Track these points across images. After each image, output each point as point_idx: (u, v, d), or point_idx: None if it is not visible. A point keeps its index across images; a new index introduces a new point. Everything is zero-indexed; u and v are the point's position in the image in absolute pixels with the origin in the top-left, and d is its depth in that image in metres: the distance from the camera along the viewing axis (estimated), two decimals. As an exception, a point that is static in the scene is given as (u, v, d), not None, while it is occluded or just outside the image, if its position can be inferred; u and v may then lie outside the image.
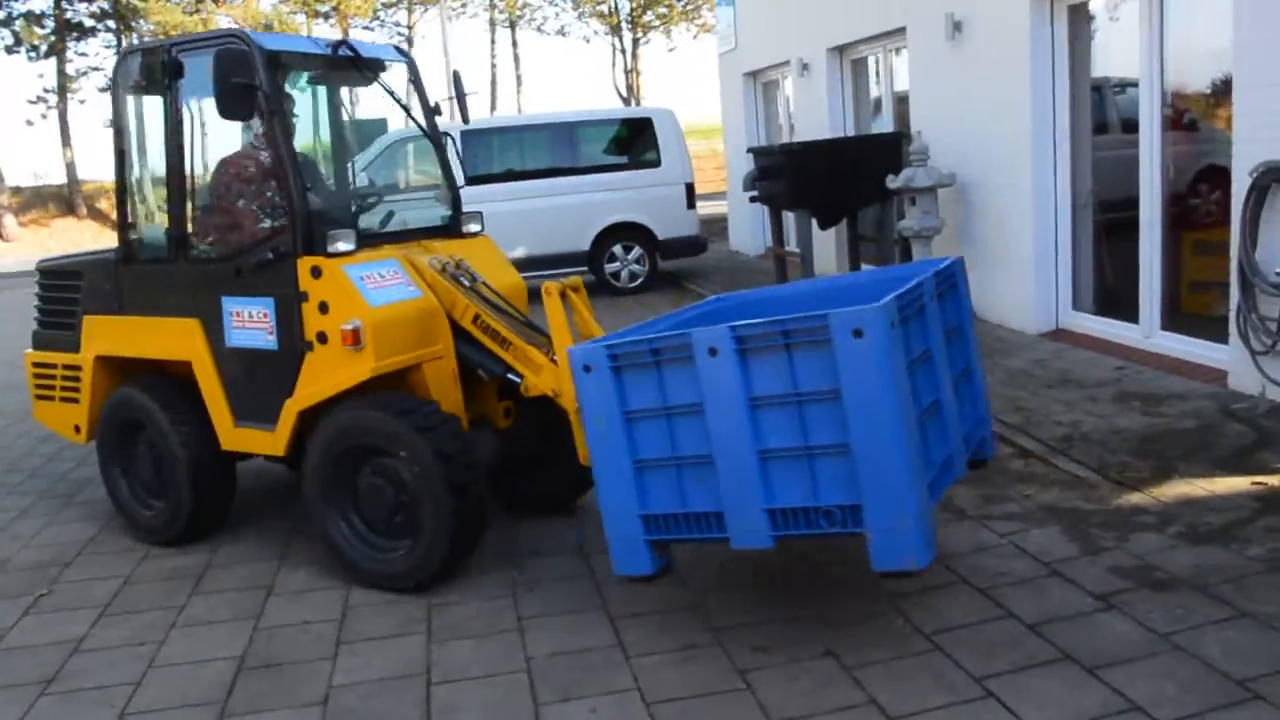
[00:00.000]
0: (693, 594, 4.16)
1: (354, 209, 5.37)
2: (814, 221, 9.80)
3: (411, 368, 4.57)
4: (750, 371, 3.37)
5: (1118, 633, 3.54)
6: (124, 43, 31.30)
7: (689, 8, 38.24)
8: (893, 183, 8.70)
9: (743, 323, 3.37)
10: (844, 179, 9.33)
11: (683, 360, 3.47)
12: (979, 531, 4.52)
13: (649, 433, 3.59)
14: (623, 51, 39.47)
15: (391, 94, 5.19)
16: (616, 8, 38.22)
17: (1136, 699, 3.12)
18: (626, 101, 37.53)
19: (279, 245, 4.55)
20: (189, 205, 4.92)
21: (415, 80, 5.39)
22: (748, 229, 15.35)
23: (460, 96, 5.42)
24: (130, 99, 5.13)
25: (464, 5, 37.63)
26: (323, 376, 4.48)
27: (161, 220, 5.08)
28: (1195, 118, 7.60)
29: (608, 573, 4.38)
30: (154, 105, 5.03)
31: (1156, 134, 6.82)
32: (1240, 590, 3.72)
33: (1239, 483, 4.71)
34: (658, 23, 39.10)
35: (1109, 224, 8.04)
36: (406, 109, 5.32)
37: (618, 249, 12.71)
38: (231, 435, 4.86)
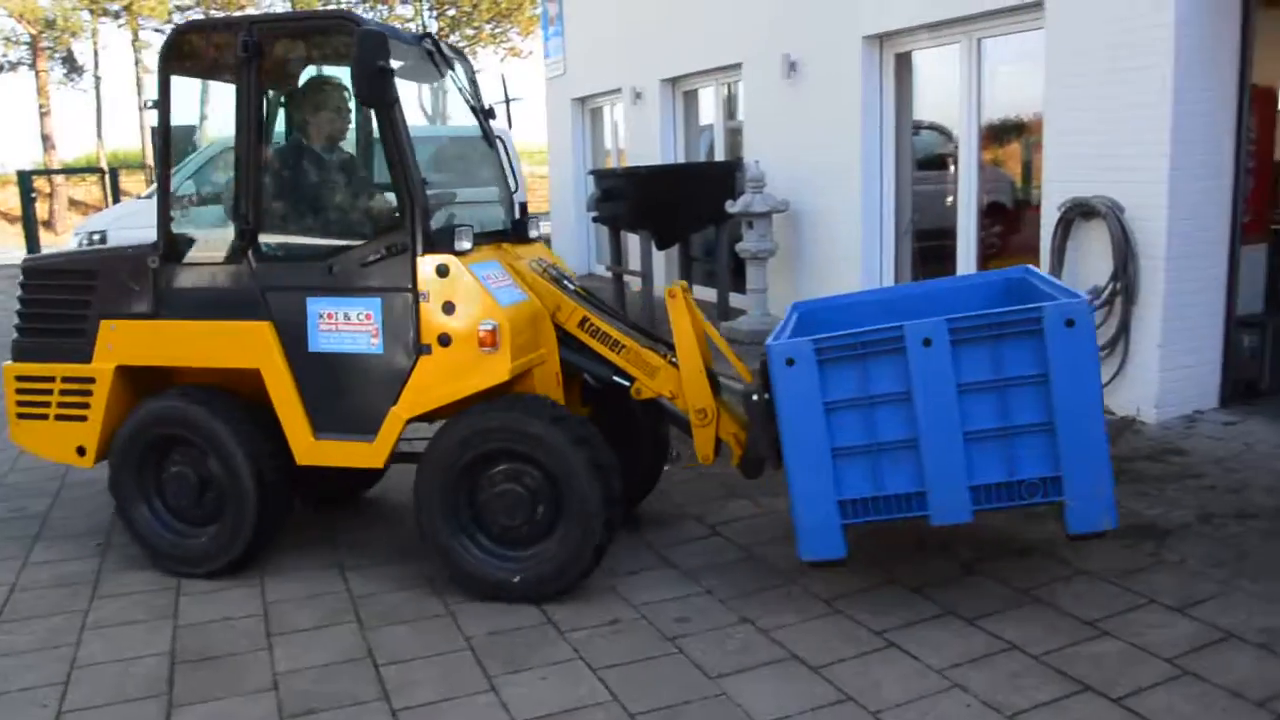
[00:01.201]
0: (607, 578, 4.52)
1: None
2: (653, 242, 10.36)
3: (522, 373, 4.47)
4: (959, 360, 3.78)
5: (986, 590, 4.19)
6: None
7: (498, 31, 38.54)
8: (732, 207, 9.36)
9: (957, 315, 3.82)
10: (683, 203, 9.93)
11: (891, 352, 3.82)
12: (850, 517, 5.09)
13: (846, 422, 3.88)
14: (429, 70, 39.28)
15: (462, 93, 5.03)
16: (424, 27, 38.05)
17: (1012, 640, 3.76)
18: (431, 121, 37.36)
19: (395, 242, 4.31)
20: (263, 198, 4.54)
21: (472, 81, 5.17)
22: (573, 249, 15.80)
23: (507, 101, 5.28)
24: (183, 81, 4.74)
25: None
26: (442, 381, 4.27)
27: (218, 213, 4.77)
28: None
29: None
30: (215, 89, 4.80)
31: (975, 172, 7.75)
32: (1077, 554, 4.44)
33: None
34: (464, 43, 39.18)
35: (921, 251, 8.98)
36: (476, 109, 5.07)
37: (454, 265, 12.84)
38: (311, 449, 4.50)
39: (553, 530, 4.25)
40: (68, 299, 4.85)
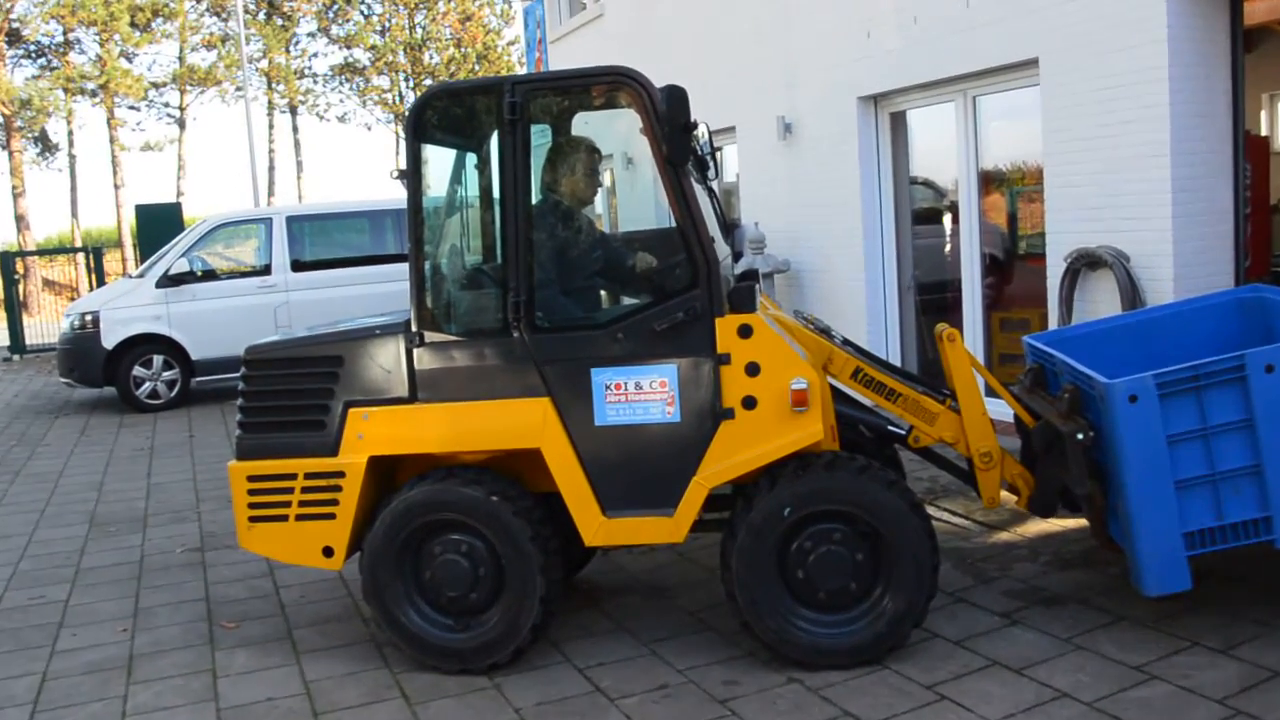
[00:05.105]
0: (645, 644, 4.61)
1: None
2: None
3: None
4: None
5: (1028, 640, 4.31)
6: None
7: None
8: (736, 269, 9.56)
9: None
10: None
11: (1229, 381, 3.98)
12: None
13: (1185, 454, 4.01)
14: (407, 139, 39.76)
15: (698, 146, 4.72)
16: (401, 96, 38.65)
17: (1062, 688, 3.87)
18: (411, 188, 37.69)
19: (692, 305, 4.13)
20: (534, 266, 4.31)
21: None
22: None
23: (713, 152, 4.98)
24: (432, 148, 4.57)
25: (240, 89, 37.00)
26: (747, 445, 4.13)
27: (478, 285, 4.66)
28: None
29: (558, 631, 4.78)
30: (460, 154, 4.84)
31: (976, 226, 7.97)
32: (1114, 600, 4.59)
33: (1082, 519, 5.64)
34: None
35: (924, 304, 9.20)
36: (709, 163, 4.84)
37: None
38: (600, 529, 4.28)
39: (874, 587, 4.19)
40: (306, 388, 4.54)
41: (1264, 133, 12.27)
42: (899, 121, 8.80)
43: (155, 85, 35.40)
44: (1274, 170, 9.40)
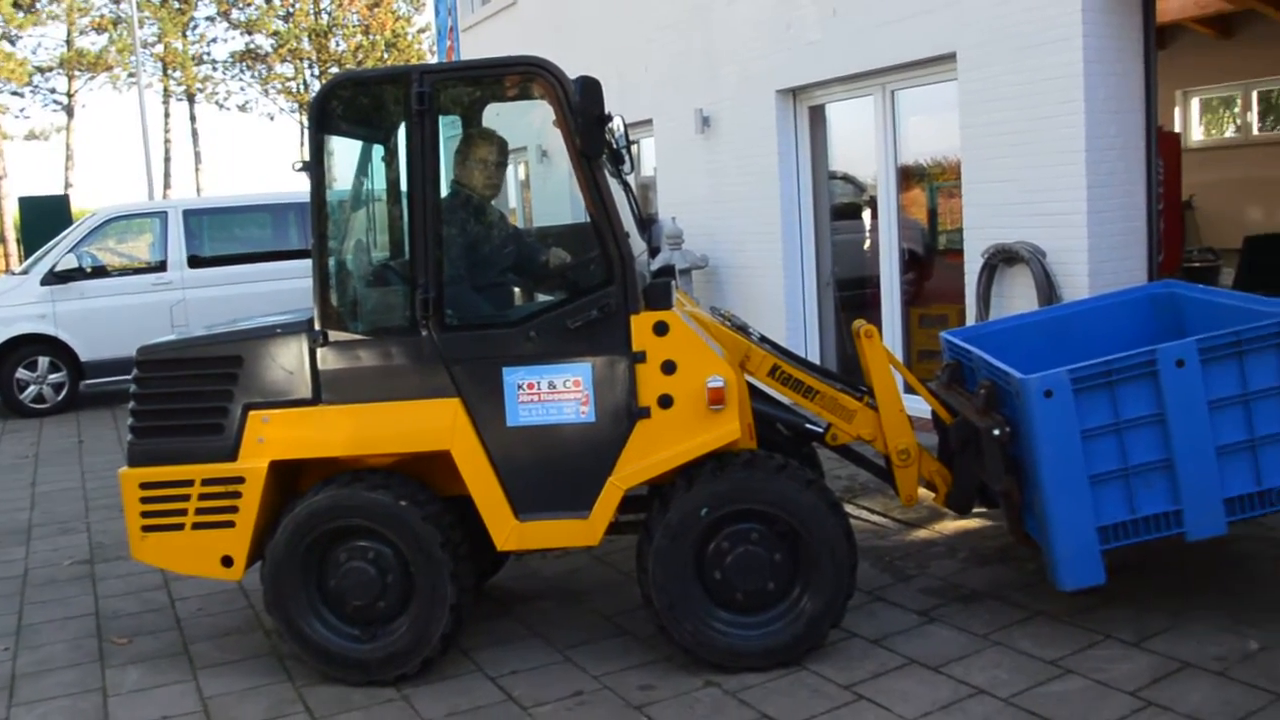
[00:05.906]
0: (559, 650, 4.60)
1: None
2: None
3: None
4: (1209, 377, 4.09)
5: (946, 638, 4.41)
6: None
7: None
8: (653, 265, 9.59)
9: (1203, 336, 4.13)
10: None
11: (1141, 376, 4.11)
12: (801, 572, 5.28)
13: (1099, 448, 4.13)
14: (311, 129, 39.16)
15: (613, 139, 4.62)
16: (306, 85, 38.04)
17: (980, 685, 3.97)
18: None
19: (605, 302, 4.13)
20: (444, 262, 4.27)
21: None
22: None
23: (628, 145, 4.97)
24: (337, 139, 4.52)
25: (133, 75, 36.06)
26: (664, 445, 4.15)
27: (385, 281, 4.64)
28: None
29: (469, 639, 4.76)
30: (366, 145, 4.79)
31: (894, 222, 8.14)
32: (1030, 596, 4.72)
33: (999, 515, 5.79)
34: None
35: (843, 300, 9.35)
36: (624, 156, 4.83)
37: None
38: (513, 533, 4.27)
39: (792, 587, 4.24)
40: (202, 390, 4.44)
41: (1176, 129, 12.74)
42: (818, 115, 8.93)
43: (40, 70, 34.39)
44: (1186, 167, 9.77)
